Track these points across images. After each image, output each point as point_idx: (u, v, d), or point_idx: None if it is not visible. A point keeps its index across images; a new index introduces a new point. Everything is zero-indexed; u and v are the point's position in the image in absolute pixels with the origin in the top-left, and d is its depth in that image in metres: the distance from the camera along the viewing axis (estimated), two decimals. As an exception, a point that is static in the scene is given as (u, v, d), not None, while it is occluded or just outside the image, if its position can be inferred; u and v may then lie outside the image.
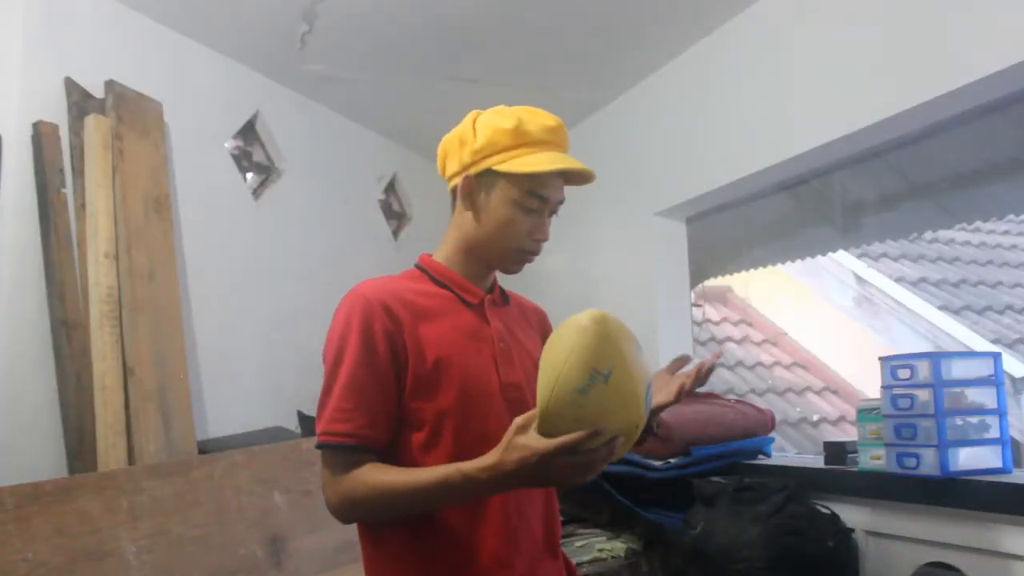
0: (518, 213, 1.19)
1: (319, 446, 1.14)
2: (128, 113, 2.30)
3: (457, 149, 1.23)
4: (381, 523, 1.17)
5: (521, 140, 1.18)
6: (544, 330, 1.41)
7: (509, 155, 1.18)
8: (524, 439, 1.00)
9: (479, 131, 1.20)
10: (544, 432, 0.99)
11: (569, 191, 1.27)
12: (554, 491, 1.29)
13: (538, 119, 1.21)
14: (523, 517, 1.18)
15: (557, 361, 0.99)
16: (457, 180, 1.23)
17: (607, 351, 0.98)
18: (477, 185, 1.21)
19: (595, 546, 2.01)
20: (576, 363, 0.97)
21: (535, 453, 0.98)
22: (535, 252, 1.24)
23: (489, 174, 1.19)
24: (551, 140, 1.21)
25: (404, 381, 1.15)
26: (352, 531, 1.21)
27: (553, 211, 1.24)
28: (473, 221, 1.22)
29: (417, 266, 1.28)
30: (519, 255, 1.23)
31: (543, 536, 1.22)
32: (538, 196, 1.19)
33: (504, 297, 1.33)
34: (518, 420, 1.02)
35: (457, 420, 1.13)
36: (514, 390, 1.21)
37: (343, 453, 1.12)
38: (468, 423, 1.14)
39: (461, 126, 1.24)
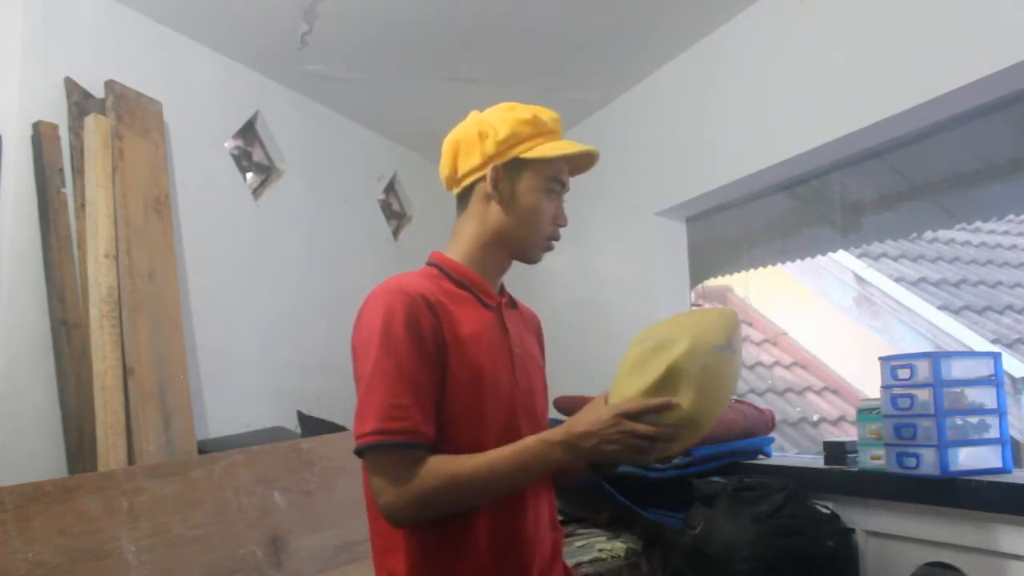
0: (544, 199, 1.24)
1: (373, 446, 1.05)
2: (128, 113, 2.30)
3: (477, 143, 1.22)
4: (394, 542, 1.13)
5: (540, 129, 1.24)
6: (540, 337, 1.40)
7: (532, 143, 1.22)
8: (599, 402, 1.10)
9: (499, 124, 1.22)
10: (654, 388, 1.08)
11: (568, 193, 1.29)
12: (554, 499, 1.29)
13: (546, 111, 1.27)
14: (539, 524, 1.19)
15: (693, 320, 1.14)
16: (477, 175, 1.22)
17: (738, 334, 1.16)
18: (504, 175, 1.22)
19: (595, 546, 2.01)
20: (719, 326, 1.12)
21: (613, 412, 1.06)
22: (557, 238, 1.28)
23: (515, 163, 1.22)
24: (558, 130, 1.28)
25: (445, 379, 1.12)
26: (352, 532, 1.21)
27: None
28: (500, 213, 1.22)
29: (434, 264, 1.25)
30: (545, 242, 1.27)
31: (551, 543, 1.23)
32: (559, 181, 1.25)
33: (512, 301, 1.33)
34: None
35: (475, 422, 1.12)
36: (527, 396, 1.21)
37: (400, 452, 1.05)
38: (485, 426, 1.13)
39: (469, 124, 1.25)
